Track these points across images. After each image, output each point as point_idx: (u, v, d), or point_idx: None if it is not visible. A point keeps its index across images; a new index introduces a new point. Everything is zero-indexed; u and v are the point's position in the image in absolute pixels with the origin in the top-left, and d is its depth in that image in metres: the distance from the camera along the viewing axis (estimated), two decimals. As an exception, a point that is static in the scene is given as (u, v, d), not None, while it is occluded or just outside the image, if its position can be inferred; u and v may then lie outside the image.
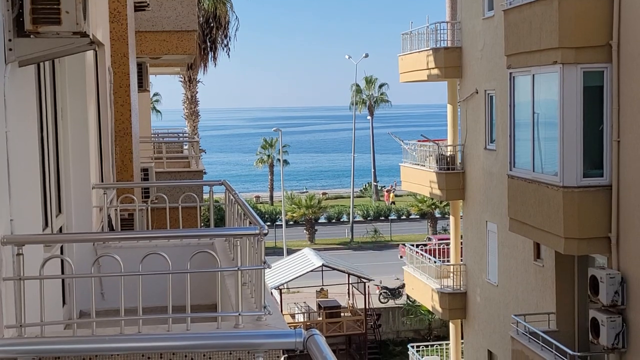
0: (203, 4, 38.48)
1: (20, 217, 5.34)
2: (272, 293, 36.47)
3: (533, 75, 15.54)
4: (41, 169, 6.63)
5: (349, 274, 38.13)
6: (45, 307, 5.33)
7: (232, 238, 7.27)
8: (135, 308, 5.44)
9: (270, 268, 5.63)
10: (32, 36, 5.02)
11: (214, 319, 5.52)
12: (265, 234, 5.53)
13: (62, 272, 6.98)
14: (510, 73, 16.57)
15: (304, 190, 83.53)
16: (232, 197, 8.03)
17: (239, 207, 7.28)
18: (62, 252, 7.60)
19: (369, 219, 66.74)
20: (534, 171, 15.60)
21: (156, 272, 5.45)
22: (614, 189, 14.19)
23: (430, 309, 24.89)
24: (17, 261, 4.98)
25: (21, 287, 4.96)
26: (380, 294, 41.00)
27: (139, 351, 2.60)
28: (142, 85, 18.60)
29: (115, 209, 9.78)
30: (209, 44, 39.86)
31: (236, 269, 5.48)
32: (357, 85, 79.65)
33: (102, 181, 10.33)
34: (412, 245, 26.34)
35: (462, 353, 23.90)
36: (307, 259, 38.32)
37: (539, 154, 15.62)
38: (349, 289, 38.99)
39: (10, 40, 5.01)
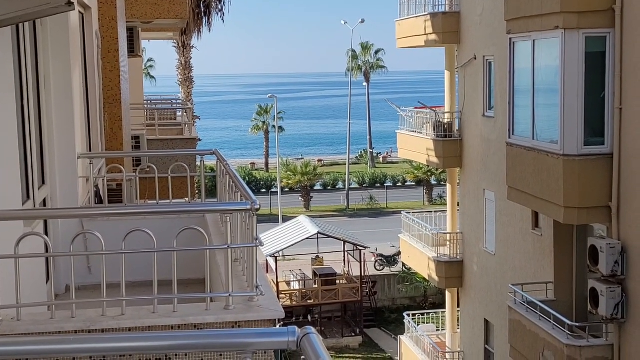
0: (196, -32, 37.76)
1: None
2: (267, 260, 36.37)
3: (534, 40, 15.17)
4: (22, 139, 6.30)
5: (344, 242, 38.03)
6: (27, 285, 5.04)
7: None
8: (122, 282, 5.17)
9: (262, 245, 5.32)
10: (4, -4, 4.64)
11: (203, 300, 5.25)
12: (257, 210, 5.21)
13: (46, 247, 6.67)
14: (510, 39, 16.18)
15: (300, 157, 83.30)
16: (223, 167, 7.71)
17: (230, 178, 6.96)
18: (46, 225, 7.28)
19: (364, 186, 66.65)
20: (533, 139, 15.30)
21: (141, 250, 5.16)
22: (615, 157, 13.91)
23: (427, 277, 24.76)
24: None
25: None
26: (376, 261, 40.97)
27: (110, 353, 2.32)
28: (134, 50, 18.19)
29: (103, 179, 9.45)
30: (202, 8, 39.19)
31: (226, 246, 5.18)
32: (353, 51, 79.06)
33: (91, 150, 10.01)
34: (408, 213, 26.11)
35: (458, 321, 23.80)
36: (303, 226, 38.19)
37: (539, 121, 15.31)
38: (344, 257, 38.91)
39: (-20, 0, 4.63)
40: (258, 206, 5.22)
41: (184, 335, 2.36)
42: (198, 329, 4.92)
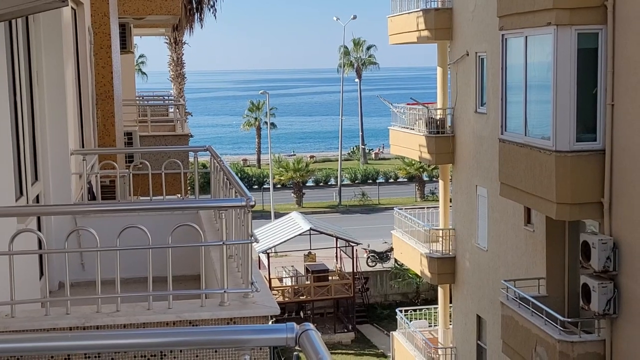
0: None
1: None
2: (259, 257, 36.38)
3: (526, 37, 15.18)
4: (14, 135, 6.27)
5: (336, 238, 38.04)
6: (20, 281, 5.01)
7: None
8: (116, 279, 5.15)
9: (258, 242, 5.32)
10: (-3, -9, 4.61)
11: (198, 296, 5.23)
12: (252, 206, 5.21)
13: (39, 244, 6.64)
14: (503, 35, 16.20)
15: (292, 153, 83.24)
16: (217, 164, 7.70)
17: (224, 175, 6.95)
18: (39, 222, 7.25)
19: (356, 182, 66.69)
20: (525, 135, 15.32)
21: (135, 247, 5.14)
22: (607, 153, 13.94)
23: (419, 274, 24.79)
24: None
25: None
26: (368, 257, 41.00)
27: (107, 350, 2.31)
28: (126, 46, 18.14)
29: (96, 176, 9.42)
30: (194, 4, 39.13)
31: (221, 243, 5.17)
32: (345, 48, 79.04)
33: (83, 146, 9.98)
34: (401, 209, 26.13)
35: (451, 317, 23.85)
36: (295, 222, 38.20)
37: (531, 117, 15.34)
38: (336, 253, 38.93)
39: (-27, -4, 4.60)
40: (253, 202, 5.21)
41: (184, 332, 2.36)
42: (193, 325, 4.91)
